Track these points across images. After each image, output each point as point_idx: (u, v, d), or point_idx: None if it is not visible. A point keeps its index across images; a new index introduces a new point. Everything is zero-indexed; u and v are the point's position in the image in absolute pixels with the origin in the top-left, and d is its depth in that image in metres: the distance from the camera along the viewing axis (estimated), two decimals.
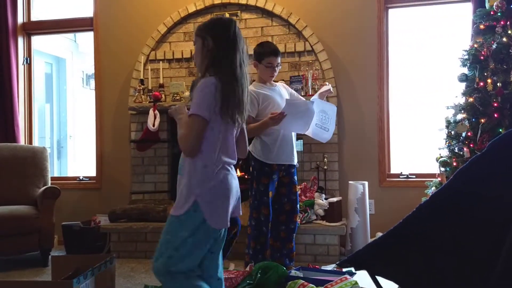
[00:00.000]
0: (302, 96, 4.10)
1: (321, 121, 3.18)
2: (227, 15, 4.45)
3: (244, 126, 2.10)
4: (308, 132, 3.20)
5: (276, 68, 3.18)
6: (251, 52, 4.26)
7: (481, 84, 3.41)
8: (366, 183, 4.03)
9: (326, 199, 3.99)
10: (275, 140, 3.15)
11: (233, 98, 1.91)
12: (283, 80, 4.18)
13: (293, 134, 3.27)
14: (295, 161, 3.29)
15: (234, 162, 2.01)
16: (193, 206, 1.87)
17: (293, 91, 3.46)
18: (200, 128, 1.87)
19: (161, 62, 4.51)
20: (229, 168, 1.97)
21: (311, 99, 3.14)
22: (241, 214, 2.10)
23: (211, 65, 1.95)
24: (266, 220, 3.18)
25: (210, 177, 1.89)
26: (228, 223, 1.95)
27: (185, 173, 1.94)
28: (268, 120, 3.03)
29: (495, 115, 3.33)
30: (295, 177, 3.32)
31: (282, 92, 3.30)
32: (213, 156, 1.91)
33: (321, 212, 3.93)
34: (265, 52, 3.14)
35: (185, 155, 1.93)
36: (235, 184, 1.99)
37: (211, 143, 1.91)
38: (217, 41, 1.95)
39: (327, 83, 3.43)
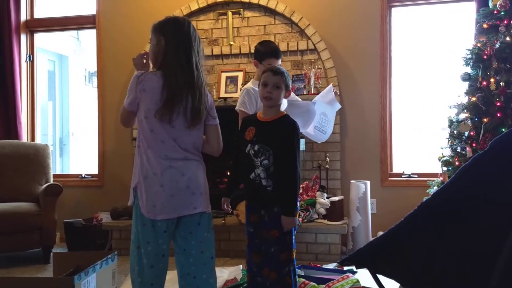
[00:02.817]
0: (304, 94, 4.10)
1: (321, 123, 3.19)
2: (229, 13, 4.45)
3: (216, 123, 2.10)
4: (306, 133, 3.20)
5: None
6: (246, 50, 4.29)
7: (484, 83, 3.40)
8: (368, 182, 4.03)
9: (327, 198, 3.99)
10: None
11: (176, 97, 1.94)
12: None
13: None
14: None
15: (180, 157, 1.97)
16: (134, 192, 2.00)
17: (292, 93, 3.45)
18: (124, 114, 2.06)
19: None
20: (171, 161, 1.96)
21: (313, 100, 3.13)
22: (206, 210, 2.02)
23: (162, 64, 2.00)
24: None
25: (146, 166, 1.95)
26: (164, 216, 1.93)
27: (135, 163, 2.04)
28: None
29: (498, 115, 3.32)
30: None
31: None
32: (145, 146, 1.96)
33: (322, 211, 3.93)
34: (266, 53, 3.13)
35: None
36: (179, 179, 1.96)
37: (147, 136, 1.96)
38: (168, 42, 1.98)
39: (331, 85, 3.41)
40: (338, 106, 3.28)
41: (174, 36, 1.99)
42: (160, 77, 1.97)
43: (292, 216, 2.24)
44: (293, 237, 2.35)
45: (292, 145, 2.26)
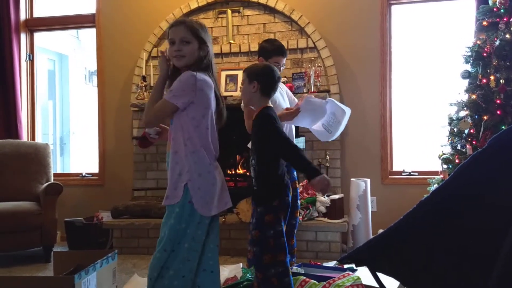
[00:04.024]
0: (304, 93, 4.10)
1: (328, 122, 3.18)
2: (229, 12, 4.44)
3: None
4: (312, 129, 3.20)
5: (281, 68, 3.19)
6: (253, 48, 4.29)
7: (484, 81, 3.40)
8: (368, 180, 4.03)
9: (328, 196, 3.99)
10: None
11: (219, 97, 2.14)
12: (285, 77, 4.18)
13: (293, 133, 3.27)
14: None
15: (217, 155, 2.13)
16: (184, 192, 2.00)
17: (288, 90, 3.45)
18: (168, 111, 2.05)
19: None
20: (215, 160, 2.11)
21: (326, 99, 3.13)
22: (231, 205, 2.16)
23: (204, 67, 2.09)
24: None
25: (199, 166, 2.02)
26: (213, 212, 2.02)
27: (177, 161, 2.05)
28: (284, 114, 3.05)
29: (498, 112, 3.32)
30: (295, 173, 3.33)
31: (282, 91, 3.30)
32: (199, 145, 2.03)
33: (323, 209, 3.93)
34: (273, 51, 3.14)
35: (145, 123, 2.17)
36: (220, 176, 2.09)
37: (201, 134, 2.04)
38: (210, 47, 2.14)
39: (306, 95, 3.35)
40: (347, 110, 3.23)
41: (209, 41, 2.14)
42: (210, 78, 2.08)
43: (316, 176, 2.11)
44: (280, 240, 2.26)
45: (267, 130, 2.25)
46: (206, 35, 2.13)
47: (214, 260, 2.09)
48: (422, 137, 4.53)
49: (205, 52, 2.09)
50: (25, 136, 4.85)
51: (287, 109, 3.06)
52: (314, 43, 4.27)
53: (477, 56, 3.46)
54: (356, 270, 3.00)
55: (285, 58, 3.18)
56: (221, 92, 4.28)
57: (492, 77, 3.37)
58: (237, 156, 4.48)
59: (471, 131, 3.43)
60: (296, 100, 3.43)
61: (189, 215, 2.00)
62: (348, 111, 3.17)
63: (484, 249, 1.47)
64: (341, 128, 3.18)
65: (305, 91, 4.13)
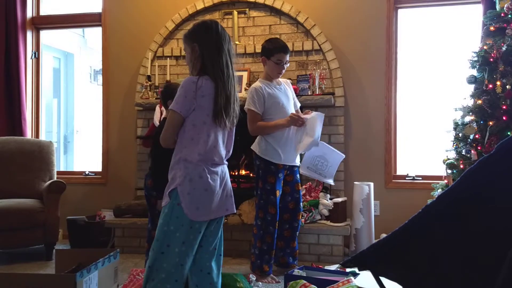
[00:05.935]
0: (309, 95, 4.09)
1: (315, 166, 3.17)
2: (235, 13, 4.44)
3: (234, 129, 2.14)
4: (304, 173, 3.23)
5: (284, 65, 3.17)
6: (253, 50, 4.29)
7: (490, 86, 3.38)
8: (372, 184, 4.01)
9: (331, 199, 3.98)
10: (278, 141, 3.14)
11: (221, 100, 1.98)
12: (289, 79, 4.16)
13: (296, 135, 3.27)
14: (298, 162, 3.29)
15: (221, 162, 2.05)
16: (174, 195, 1.96)
17: (293, 92, 3.44)
18: (175, 125, 1.99)
19: (168, 58, 4.51)
20: (214, 166, 2.02)
21: (319, 140, 3.11)
22: (234, 211, 2.13)
23: (201, 70, 2.02)
24: (273, 219, 3.16)
25: (191, 171, 1.96)
26: (204, 217, 1.98)
27: (173, 165, 2.03)
28: (289, 119, 3.05)
29: (504, 118, 3.30)
30: (298, 175, 3.32)
31: (288, 92, 3.29)
32: (195, 152, 1.97)
33: (325, 212, 3.92)
34: (275, 48, 3.13)
35: (162, 145, 2.05)
36: (219, 182, 2.03)
37: (195, 139, 1.98)
38: (202, 46, 2.02)
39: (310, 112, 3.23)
40: (341, 156, 3.27)
41: (206, 39, 2.02)
42: (211, 82, 1.99)
43: None
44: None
45: None
46: (198, 34, 2.04)
47: (211, 262, 2.08)
48: (426, 141, 4.51)
49: (196, 53, 2.02)
50: (29, 134, 4.86)
51: (293, 114, 3.08)
52: (319, 45, 4.26)
53: (484, 61, 3.44)
54: (359, 274, 2.98)
55: (287, 56, 3.16)
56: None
57: (498, 83, 3.35)
58: (240, 157, 4.47)
59: (476, 136, 3.41)
60: (298, 103, 3.42)
61: (177, 217, 1.96)
62: (342, 156, 3.20)
63: (490, 254, 1.46)
64: (335, 171, 3.21)
65: (309, 94, 4.12)
